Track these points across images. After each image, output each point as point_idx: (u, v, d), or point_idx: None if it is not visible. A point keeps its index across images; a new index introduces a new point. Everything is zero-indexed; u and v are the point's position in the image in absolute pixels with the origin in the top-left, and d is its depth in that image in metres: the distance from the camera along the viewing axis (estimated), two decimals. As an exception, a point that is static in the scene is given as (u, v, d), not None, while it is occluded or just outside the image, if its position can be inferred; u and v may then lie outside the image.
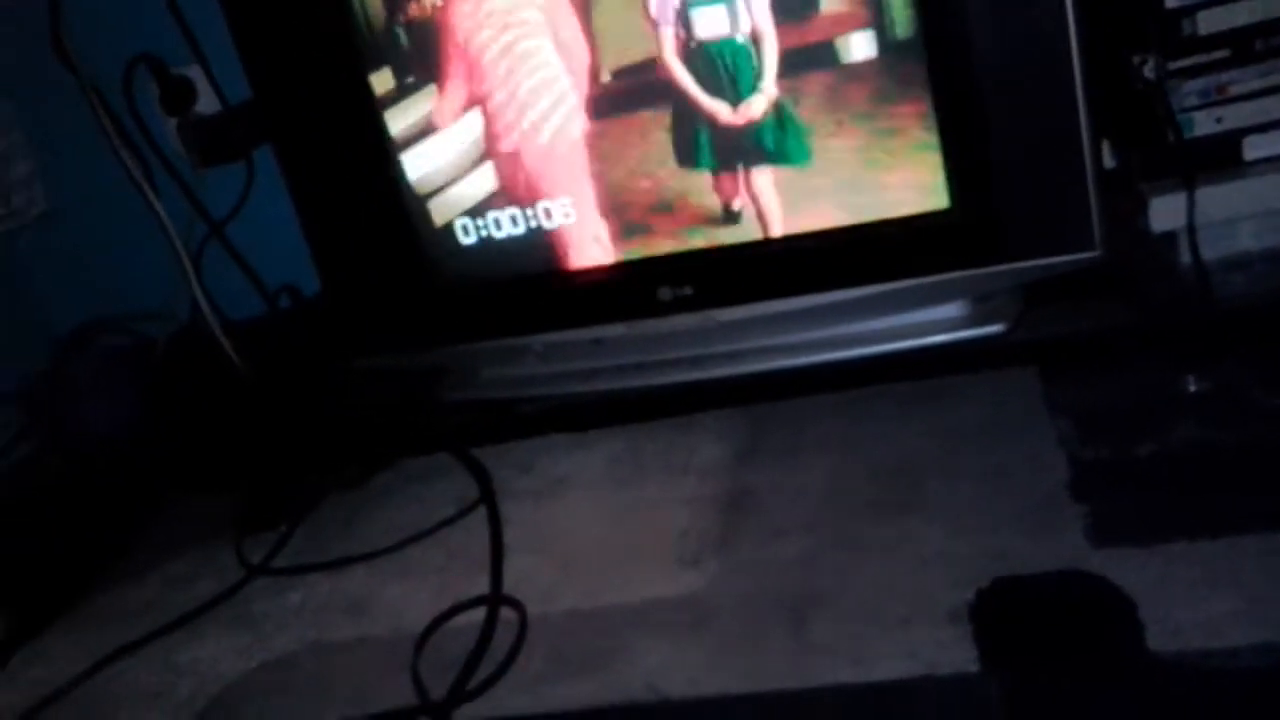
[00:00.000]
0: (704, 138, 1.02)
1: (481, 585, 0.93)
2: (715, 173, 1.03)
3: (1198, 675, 0.68)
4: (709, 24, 0.99)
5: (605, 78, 1.03)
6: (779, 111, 0.99)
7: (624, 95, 1.03)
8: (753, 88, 0.99)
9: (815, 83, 0.98)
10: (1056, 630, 0.75)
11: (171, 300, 1.36)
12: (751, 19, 0.98)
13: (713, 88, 1.01)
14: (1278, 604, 0.71)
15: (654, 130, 1.03)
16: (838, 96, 0.98)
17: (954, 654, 0.74)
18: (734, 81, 1.00)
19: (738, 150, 1.02)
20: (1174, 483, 0.85)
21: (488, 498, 1.03)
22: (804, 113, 0.99)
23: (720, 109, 1.01)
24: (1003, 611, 0.77)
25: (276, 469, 1.19)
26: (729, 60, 1.00)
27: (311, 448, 1.19)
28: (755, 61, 0.99)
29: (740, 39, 0.98)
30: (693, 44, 1.00)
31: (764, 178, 1.02)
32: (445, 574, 0.97)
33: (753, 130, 1.01)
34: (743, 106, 1.00)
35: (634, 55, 1.02)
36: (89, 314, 1.48)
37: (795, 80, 0.98)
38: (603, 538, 0.97)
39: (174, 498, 1.23)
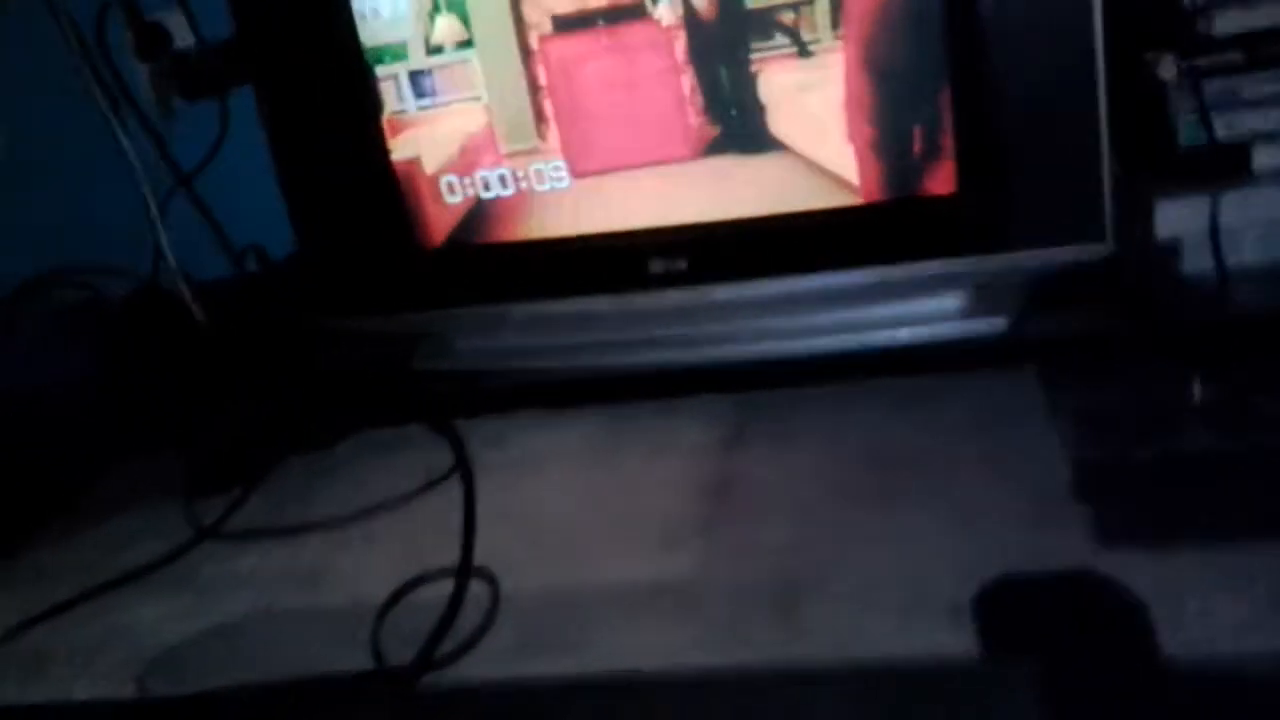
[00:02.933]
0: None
1: (449, 559, 0.88)
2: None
3: (1211, 681, 0.65)
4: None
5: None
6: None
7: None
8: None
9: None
10: (1065, 628, 0.71)
11: (133, 255, 1.30)
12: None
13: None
14: (1297, 611, 0.68)
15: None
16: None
17: (954, 646, 0.70)
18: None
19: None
20: (1180, 487, 0.82)
21: (462, 465, 0.98)
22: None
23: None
24: (1009, 606, 0.73)
25: (234, 429, 1.13)
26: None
27: (274, 410, 1.14)
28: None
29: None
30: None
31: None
32: (410, 546, 0.92)
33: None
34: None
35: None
36: (45, 265, 1.41)
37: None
38: (580, 516, 0.93)
39: (126, 456, 1.16)
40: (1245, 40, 1.00)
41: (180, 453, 1.13)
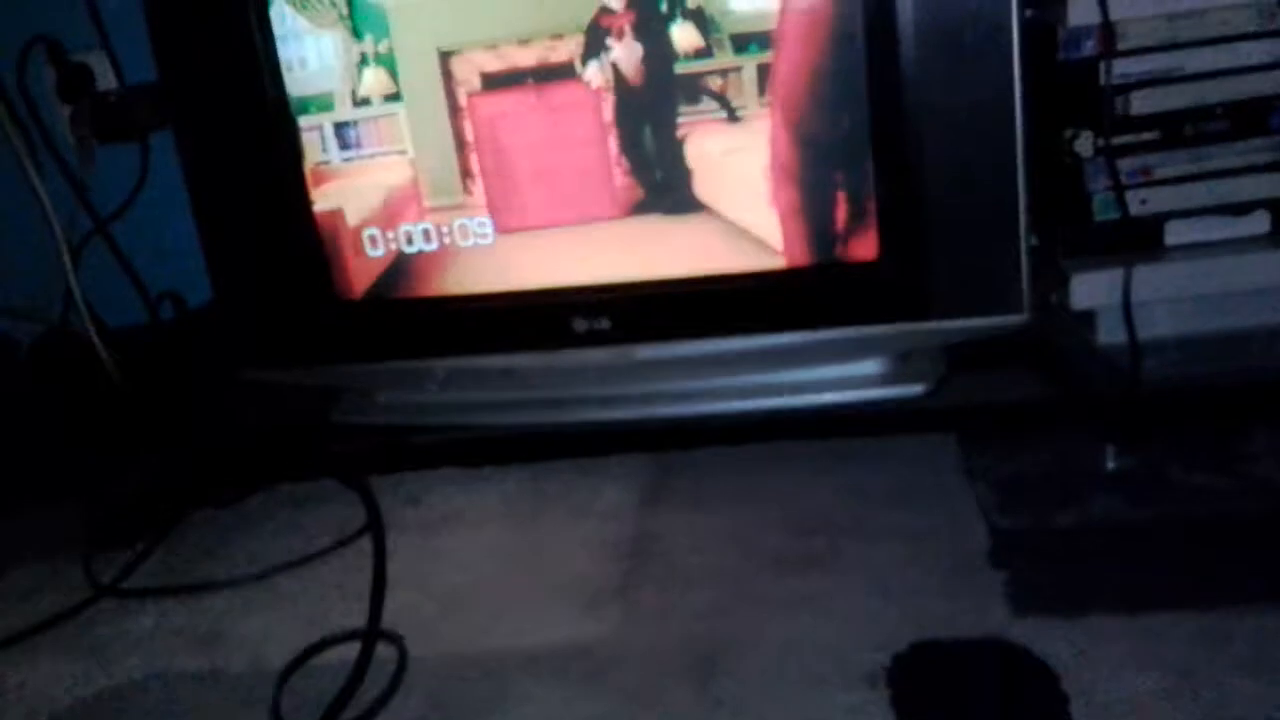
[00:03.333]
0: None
1: (356, 621, 0.85)
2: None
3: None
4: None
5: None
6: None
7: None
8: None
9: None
10: (978, 698, 0.71)
11: (46, 298, 1.27)
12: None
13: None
14: (1207, 683, 0.68)
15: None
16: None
17: (871, 715, 0.69)
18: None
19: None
20: (1095, 556, 0.83)
21: (375, 524, 0.95)
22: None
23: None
24: (922, 676, 0.72)
25: (139, 481, 1.09)
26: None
27: (182, 462, 1.10)
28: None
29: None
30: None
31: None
32: (317, 607, 0.89)
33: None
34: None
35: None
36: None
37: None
38: (494, 577, 0.91)
39: (25, 506, 1.12)
40: (1161, 120, 1.02)
41: (83, 504, 1.09)
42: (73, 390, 1.20)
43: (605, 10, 0.95)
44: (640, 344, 1.01)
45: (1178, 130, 1.03)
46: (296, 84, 1.02)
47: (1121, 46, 1.00)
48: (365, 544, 0.95)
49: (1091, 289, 1.04)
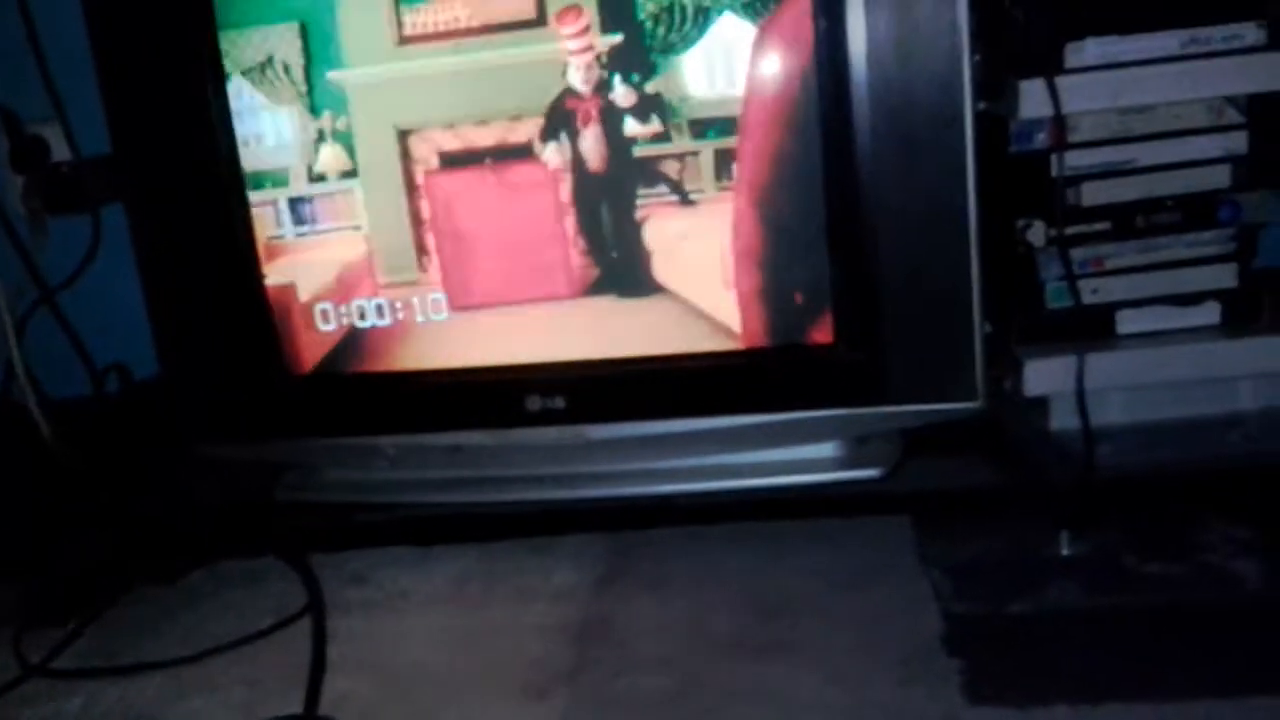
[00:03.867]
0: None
1: (294, 707, 0.82)
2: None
3: None
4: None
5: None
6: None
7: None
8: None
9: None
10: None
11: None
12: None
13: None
14: (1164, 776, 0.67)
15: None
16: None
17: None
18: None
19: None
20: (1050, 643, 0.82)
21: (315, 606, 0.93)
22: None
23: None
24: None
25: (72, 557, 1.06)
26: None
27: (119, 538, 1.07)
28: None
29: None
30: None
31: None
32: (254, 690, 0.86)
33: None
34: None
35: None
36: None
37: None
38: (441, 661, 0.88)
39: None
40: (1112, 211, 1.04)
41: (16, 579, 1.05)
42: (12, 462, 1.17)
43: (570, 93, 0.96)
44: (595, 424, 1.00)
45: (1129, 221, 1.04)
46: (252, 159, 1.02)
47: (1073, 139, 1.02)
48: (306, 625, 0.93)
49: (1045, 376, 1.04)
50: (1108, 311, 1.06)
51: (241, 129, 1.01)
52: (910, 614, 0.86)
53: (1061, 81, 0.98)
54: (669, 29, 0.94)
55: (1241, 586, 0.86)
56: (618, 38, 0.95)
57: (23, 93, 1.28)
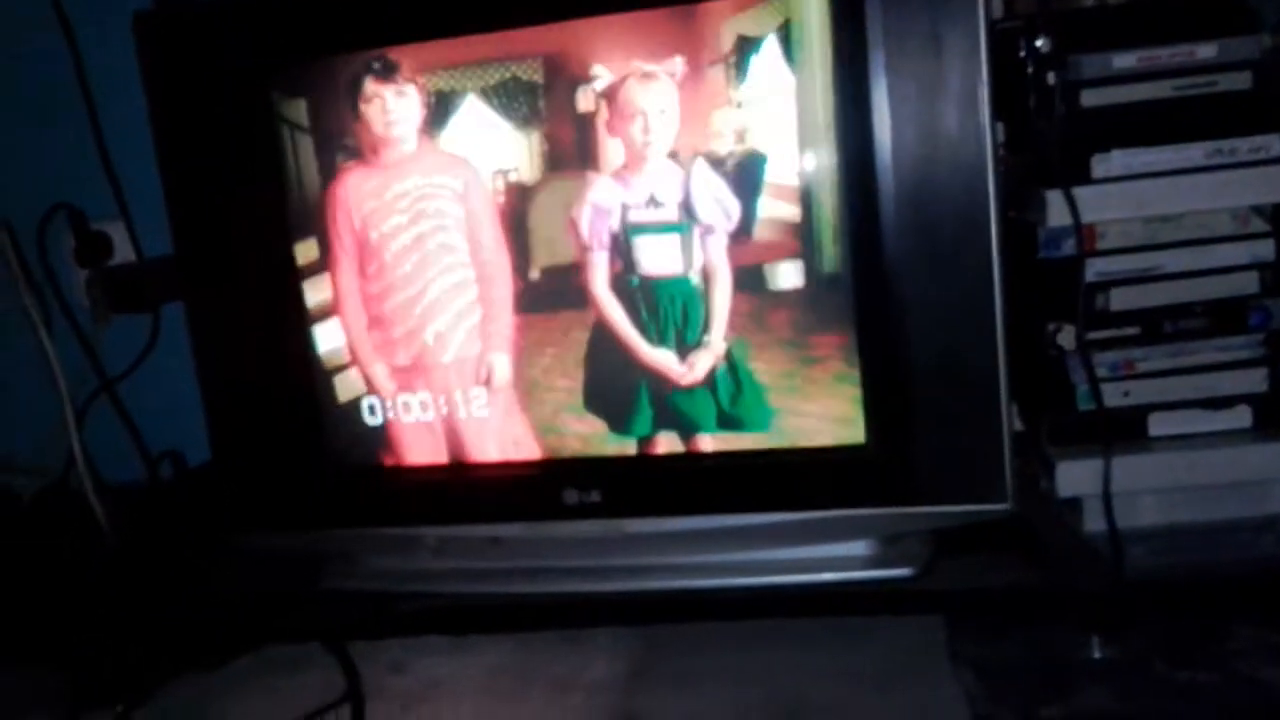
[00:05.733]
0: (645, 397, 1.00)
1: (333, 792, 0.84)
2: (647, 438, 1.02)
3: None
4: (655, 257, 0.99)
5: (533, 275, 1.02)
6: (732, 367, 0.98)
7: (549, 295, 1.02)
8: (699, 339, 0.99)
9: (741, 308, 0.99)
10: None
11: (47, 455, 1.29)
12: (705, 253, 0.98)
13: (655, 334, 1.00)
14: None
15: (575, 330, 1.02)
16: (762, 320, 0.98)
17: None
18: (681, 329, 0.99)
19: (681, 415, 1.00)
20: (1080, 750, 0.82)
21: (354, 694, 0.95)
22: (759, 366, 0.98)
23: (667, 361, 0.99)
24: None
25: (122, 641, 1.09)
26: (677, 303, 0.98)
27: (168, 623, 1.10)
28: (703, 307, 0.98)
29: (693, 278, 0.98)
30: (633, 279, 0.99)
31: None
32: (295, 776, 0.88)
33: (703, 391, 0.99)
34: (691, 358, 0.99)
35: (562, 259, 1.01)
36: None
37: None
38: (476, 751, 0.90)
39: (9, 661, 1.11)
40: (1140, 316, 1.06)
41: (67, 661, 1.08)
42: (69, 547, 1.21)
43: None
44: (630, 518, 1.02)
45: (1158, 326, 1.06)
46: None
47: (1101, 246, 1.04)
48: (346, 713, 0.95)
49: (1077, 477, 1.05)
50: (1140, 414, 1.07)
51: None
52: (941, 715, 0.87)
53: (1088, 191, 1.00)
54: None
55: (1273, 693, 0.85)
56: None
57: (88, 191, 1.35)
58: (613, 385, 1.01)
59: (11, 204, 1.27)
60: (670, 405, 1.00)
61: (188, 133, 1.05)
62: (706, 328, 0.98)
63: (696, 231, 0.97)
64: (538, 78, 0.98)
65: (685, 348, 0.99)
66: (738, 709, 0.91)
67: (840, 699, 0.90)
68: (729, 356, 0.98)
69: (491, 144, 1.00)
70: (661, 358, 0.99)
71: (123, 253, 1.36)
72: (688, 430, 1.01)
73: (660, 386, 1.00)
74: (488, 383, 1.02)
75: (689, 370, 0.99)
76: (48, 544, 1.25)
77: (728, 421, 0.99)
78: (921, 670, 0.93)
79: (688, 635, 1.02)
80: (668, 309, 0.98)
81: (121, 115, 1.27)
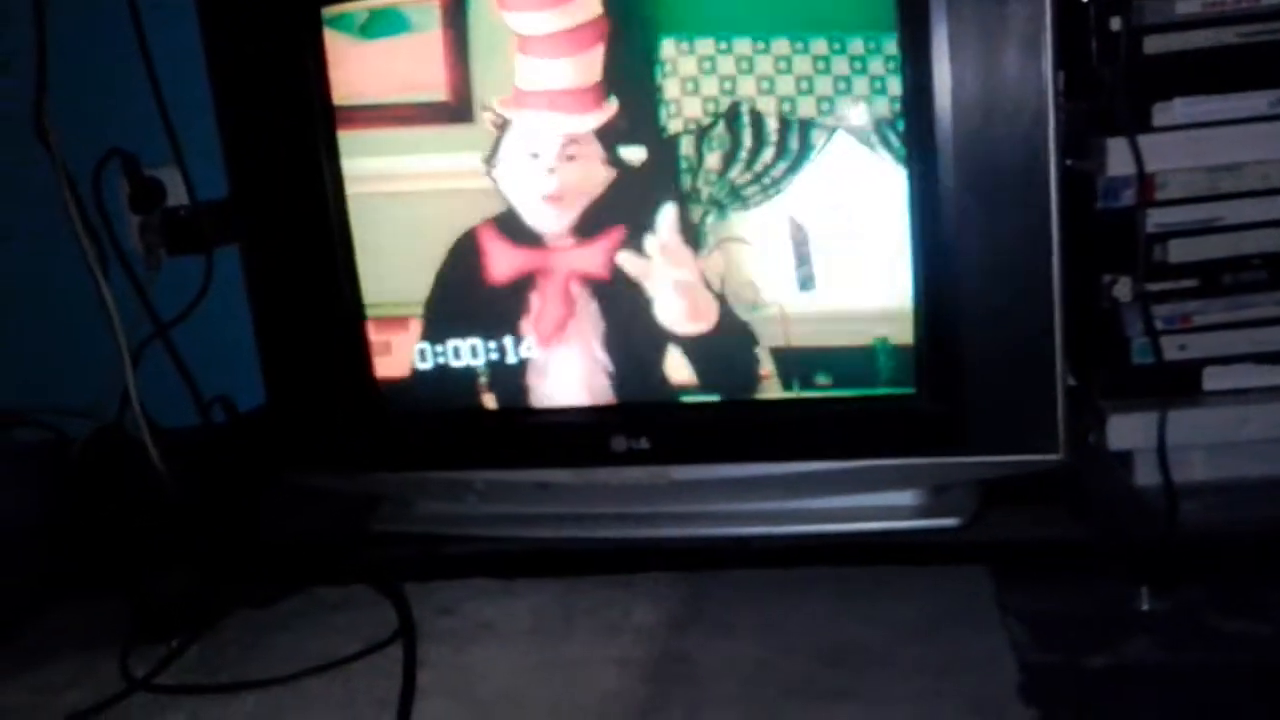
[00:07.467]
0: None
1: (385, 728, 0.86)
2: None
3: None
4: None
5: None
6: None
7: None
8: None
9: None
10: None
11: (101, 399, 1.31)
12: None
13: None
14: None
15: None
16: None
17: None
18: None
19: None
20: (1127, 698, 0.82)
21: (407, 632, 0.96)
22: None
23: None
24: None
25: (177, 579, 1.11)
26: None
27: (221, 563, 1.12)
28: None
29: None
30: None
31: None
32: (346, 712, 0.90)
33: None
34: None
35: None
36: (8, 403, 1.41)
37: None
38: (523, 691, 0.91)
39: (70, 598, 1.14)
40: (1199, 268, 1.04)
41: (124, 600, 1.11)
42: (122, 487, 1.23)
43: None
44: (678, 465, 1.03)
45: (1216, 279, 1.04)
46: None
47: (1160, 196, 1.02)
48: (396, 651, 0.96)
49: (1129, 430, 1.04)
50: (1195, 368, 1.06)
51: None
52: (986, 664, 0.87)
53: (1149, 140, 0.99)
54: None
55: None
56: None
57: (142, 137, 1.36)
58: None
59: (68, 150, 1.27)
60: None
61: (244, 70, 1.05)
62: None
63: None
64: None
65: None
66: (781, 656, 0.91)
67: (886, 647, 0.91)
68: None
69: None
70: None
71: (176, 200, 1.37)
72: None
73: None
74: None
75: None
76: (102, 486, 1.27)
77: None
78: (968, 619, 0.93)
79: (733, 582, 1.03)
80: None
81: (177, 62, 1.27)
